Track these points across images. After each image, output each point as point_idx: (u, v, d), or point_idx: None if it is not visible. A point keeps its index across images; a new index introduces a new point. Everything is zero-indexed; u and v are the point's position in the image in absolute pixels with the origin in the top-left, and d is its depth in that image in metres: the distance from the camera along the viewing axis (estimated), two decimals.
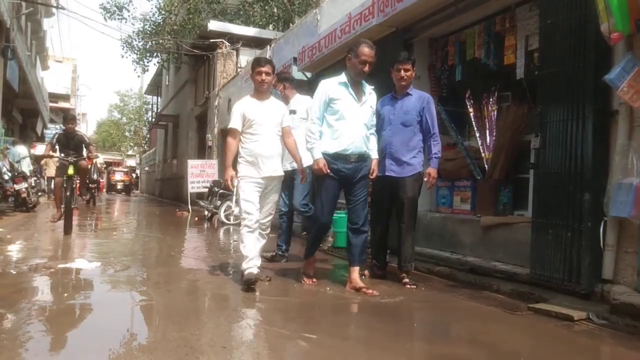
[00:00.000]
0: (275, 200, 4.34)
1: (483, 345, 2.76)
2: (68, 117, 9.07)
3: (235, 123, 4.16)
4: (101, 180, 20.55)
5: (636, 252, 3.36)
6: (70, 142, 8.25)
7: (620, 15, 3.18)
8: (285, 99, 5.21)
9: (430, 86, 5.94)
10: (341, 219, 6.62)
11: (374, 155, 4.17)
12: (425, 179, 4.32)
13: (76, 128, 8.71)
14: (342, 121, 3.95)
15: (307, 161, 4.26)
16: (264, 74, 4.17)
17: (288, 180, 5.07)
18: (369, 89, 4.11)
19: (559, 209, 3.75)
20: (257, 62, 4.28)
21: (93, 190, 15.50)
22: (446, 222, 5.43)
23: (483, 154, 5.34)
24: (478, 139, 5.42)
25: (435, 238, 5.44)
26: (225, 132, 15.83)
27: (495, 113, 5.32)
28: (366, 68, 3.94)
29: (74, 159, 7.64)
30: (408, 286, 4.16)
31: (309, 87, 8.83)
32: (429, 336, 2.93)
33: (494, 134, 5.25)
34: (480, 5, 4.94)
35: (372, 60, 3.95)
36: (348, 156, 3.95)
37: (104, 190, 24.96)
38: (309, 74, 8.63)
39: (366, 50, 3.93)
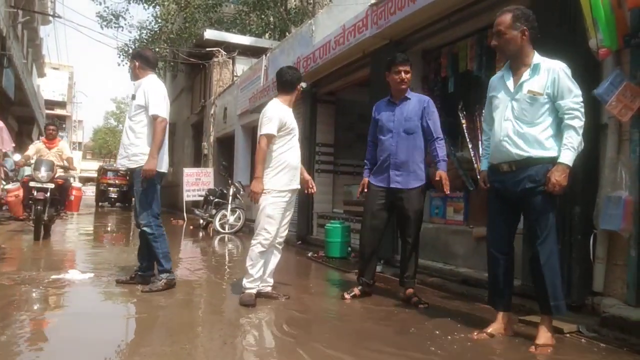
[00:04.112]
0: (292, 212, 4.16)
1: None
2: None
3: (274, 129, 3.86)
4: (76, 188, 9.34)
5: (626, 264, 3.38)
6: None
7: (607, 32, 3.23)
8: (135, 78, 4.45)
9: None
10: (335, 228, 6.66)
11: (550, 152, 2.95)
12: (442, 182, 3.95)
13: None
14: (493, 122, 3.16)
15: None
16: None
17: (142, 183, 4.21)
18: (536, 61, 3.03)
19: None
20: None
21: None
22: (439, 233, 5.46)
23: (475, 165, 5.38)
24: (471, 150, 5.46)
25: (429, 249, 5.45)
26: (221, 141, 15.94)
27: None
28: (494, 42, 3.11)
29: None
30: (421, 306, 3.90)
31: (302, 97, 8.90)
32: (412, 349, 2.93)
33: None
34: (473, 19, 4.99)
35: (501, 28, 3.03)
36: (498, 166, 3.13)
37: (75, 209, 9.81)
38: (304, 84, 8.65)
39: (495, 20, 3.11)
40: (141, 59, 4.41)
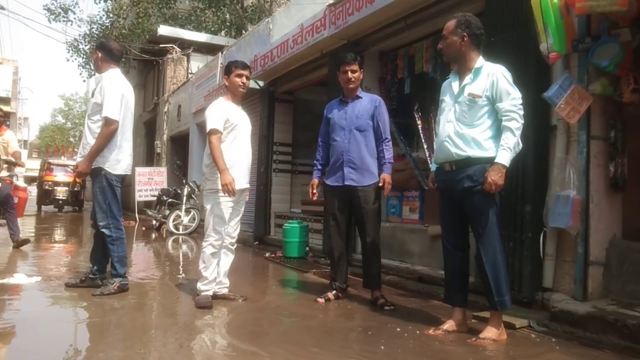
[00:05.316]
0: (243, 211, 4.10)
1: (424, 357, 2.82)
2: None
3: (218, 123, 3.81)
4: (21, 188, 8.50)
5: (573, 261, 3.52)
6: None
7: (557, 37, 3.36)
8: (97, 70, 4.36)
9: None
10: (293, 228, 6.64)
11: (488, 152, 3.04)
12: (380, 185, 4.02)
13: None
14: (438, 124, 3.35)
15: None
16: (244, 77, 3.98)
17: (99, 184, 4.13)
18: (478, 65, 3.14)
19: (502, 219, 3.88)
20: (235, 64, 4.02)
21: None
22: (395, 232, 5.53)
23: (431, 165, 5.47)
24: (426, 150, 5.56)
25: (385, 247, 5.48)
26: (175, 139, 15.61)
27: None
28: (439, 45, 3.29)
29: None
30: (387, 308, 3.84)
31: (261, 97, 8.84)
32: (368, 347, 2.96)
33: None
34: (428, 22, 5.08)
35: (445, 33, 3.19)
36: (442, 166, 3.28)
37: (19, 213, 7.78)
38: (261, 83, 8.61)
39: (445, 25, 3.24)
40: (104, 50, 4.22)
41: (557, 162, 3.63)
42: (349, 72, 4.09)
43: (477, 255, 3.12)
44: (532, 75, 3.77)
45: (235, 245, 4.12)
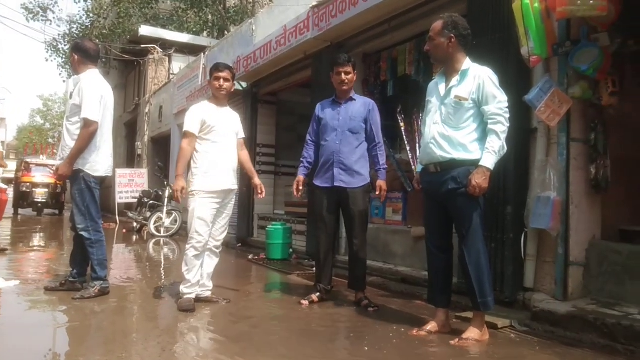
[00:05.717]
0: (230, 214, 4.08)
1: (407, 358, 2.83)
2: None
3: (192, 126, 3.85)
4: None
5: (554, 261, 3.57)
6: None
7: (538, 41, 3.41)
8: (75, 72, 4.29)
9: None
10: (276, 230, 6.62)
11: (473, 155, 3.04)
12: (377, 193, 4.05)
13: None
14: (425, 125, 3.29)
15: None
16: (222, 80, 3.95)
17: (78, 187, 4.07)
18: (465, 67, 3.13)
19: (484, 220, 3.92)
20: (215, 67, 4.03)
21: None
22: (379, 233, 5.55)
23: (413, 167, 5.51)
24: (409, 152, 5.59)
25: (369, 248, 5.47)
26: (156, 140, 15.46)
27: None
28: (426, 47, 3.30)
29: None
30: (370, 309, 3.84)
31: (243, 98, 8.79)
32: (352, 348, 2.96)
33: None
34: (411, 25, 5.12)
35: (431, 34, 3.19)
36: (427, 167, 3.27)
37: None
38: (244, 84, 8.58)
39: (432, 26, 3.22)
40: (80, 51, 4.16)
41: (537, 164, 3.68)
42: (343, 74, 4.06)
43: (461, 256, 3.13)
44: (513, 79, 3.81)
45: (221, 249, 4.09)
